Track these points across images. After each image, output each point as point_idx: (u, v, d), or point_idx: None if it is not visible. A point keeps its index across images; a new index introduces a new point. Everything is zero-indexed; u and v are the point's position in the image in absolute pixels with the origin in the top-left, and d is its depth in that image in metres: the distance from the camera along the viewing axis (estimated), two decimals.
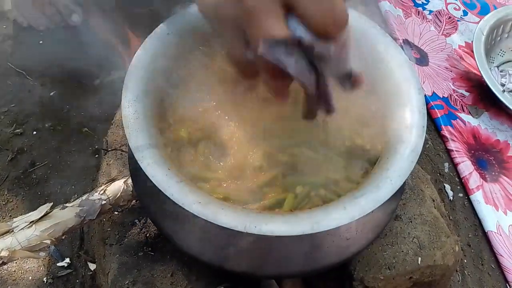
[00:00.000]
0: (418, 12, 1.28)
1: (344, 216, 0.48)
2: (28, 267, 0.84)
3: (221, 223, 0.46)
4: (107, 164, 0.79)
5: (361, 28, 0.62)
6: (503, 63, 1.20)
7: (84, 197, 0.67)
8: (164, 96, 0.59)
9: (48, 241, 0.62)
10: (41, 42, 1.15)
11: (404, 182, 0.67)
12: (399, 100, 0.57)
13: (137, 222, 0.70)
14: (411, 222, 0.70)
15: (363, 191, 0.50)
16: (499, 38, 1.19)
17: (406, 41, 1.20)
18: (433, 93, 1.11)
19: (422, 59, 1.18)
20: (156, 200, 0.56)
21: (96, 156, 0.98)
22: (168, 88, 0.60)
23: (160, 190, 0.48)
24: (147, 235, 0.68)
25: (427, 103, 1.10)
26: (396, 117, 0.56)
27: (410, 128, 0.54)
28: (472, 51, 1.09)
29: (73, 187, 0.95)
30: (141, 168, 0.50)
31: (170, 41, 0.60)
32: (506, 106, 1.04)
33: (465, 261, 0.91)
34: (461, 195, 0.99)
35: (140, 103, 0.54)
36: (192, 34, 0.61)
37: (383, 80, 0.60)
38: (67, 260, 0.85)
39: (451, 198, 0.98)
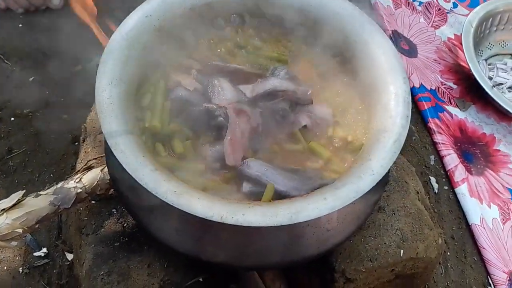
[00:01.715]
0: (408, 3, 1.26)
1: (324, 207, 0.47)
2: (4, 257, 0.82)
3: (197, 213, 0.45)
4: (85, 151, 0.77)
5: (348, 16, 0.60)
6: (491, 57, 1.20)
7: (59, 185, 0.64)
8: (142, 80, 0.57)
9: (20, 230, 0.60)
10: (20, 25, 1.11)
11: (388, 174, 0.66)
12: (384, 89, 0.56)
13: (115, 212, 0.68)
14: (394, 214, 0.69)
15: (345, 182, 0.49)
16: (487, 31, 1.18)
17: (396, 32, 1.18)
18: (421, 85, 1.10)
19: (411, 51, 1.17)
20: (131, 189, 0.54)
21: (76, 143, 0.96)
22: (146, 72, 0.58)
23: (135, 179, 0.46)
24: (125, 225, 0.66)
25: (414, 95, 1.09)
26: (381, 106, 0.55)
27: (394, 117, 0.53)
28: (461, 44, 1.08)
29: (51, 175, 0.93)
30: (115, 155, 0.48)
31: (149, 24, 0.57)
32: (494, 100, 1.04)
33: (449, 253, 0.90)
34: (446, 187, 0.98)
35: (115, 88, 0.52)
36: (172, 17, 0.59)
37: (368, 68, 0.58)
38: (44, 249, 0.83)
39: (436, 190, 0.97)
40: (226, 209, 0.45)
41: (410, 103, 0.54)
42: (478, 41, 1.16)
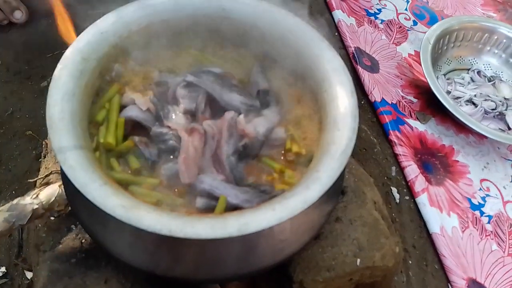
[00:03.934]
0: (370, 21, 1.31)
1: (272, 217, 0.48)
2: None
3: (145, 227, 0.45)
4: (45, 167, 0.76)
5: (299, 32, 0.63)
6: (450, 72, 1.25)
7: (14, 201, 0.64)
8: (97, 95, 0.58)
9: None
10: None
11: (341, 184, 0.68)
12: (333, 103, 0.58)
13: (74, 228, 0.68)
14: (351, 224, 0.71)
15: (293, 193, 0.50)
16: (445, 47, 1.23)
17: (358, 49, 1.22)
18: (382, 99, 1.14)
19: (373, 67, 1.21)
20: (85, 204, 0.54)
21: (40, 160, 0.94)
22: (101, 86, 0.58)
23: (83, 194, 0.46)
24: (83, 241, 0.66)
25: (376, 109, 1.12)
26: (330, 120, 0.57)
27: (341, 130, 0.55)
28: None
29: (13, 192, 0.91)
30: None
31: (104, 40, 0.58)
32: (452, 113, 1.08)
33: (410, 262, 0.93)
34: (407, 198, 1.01)
35: (67, 103, 0.52)
36: (128, 34, 0.60)
37: (318, 83, 0.61)
38: (3, 269, 0.81)
39: (398, 201, 1.00)
40: (175, 222, 0.46)
41: (357, 116, 0.56)
42: (437, 56, 1.21)
